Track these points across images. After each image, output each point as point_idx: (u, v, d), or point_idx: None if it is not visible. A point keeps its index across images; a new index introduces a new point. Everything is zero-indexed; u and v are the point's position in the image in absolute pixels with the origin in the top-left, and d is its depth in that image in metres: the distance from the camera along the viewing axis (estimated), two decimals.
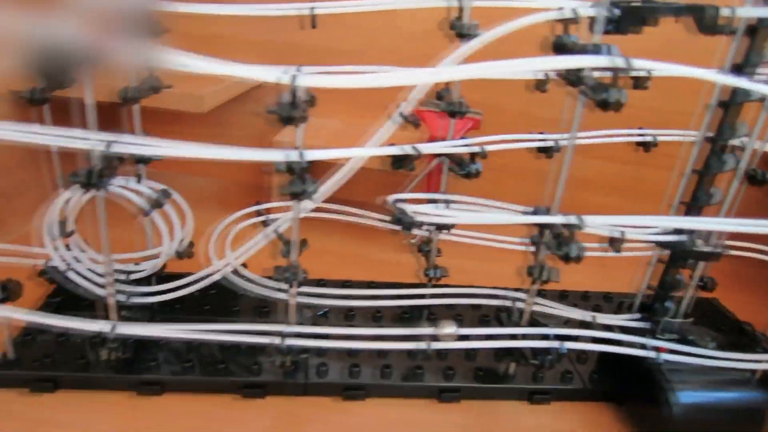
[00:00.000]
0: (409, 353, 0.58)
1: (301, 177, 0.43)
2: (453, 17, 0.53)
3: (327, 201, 0.63)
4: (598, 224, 0.46)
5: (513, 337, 0.53)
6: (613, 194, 0.94)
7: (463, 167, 0.56)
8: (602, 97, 0.41)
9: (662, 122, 0.63)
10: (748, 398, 0.52)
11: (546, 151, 0.61)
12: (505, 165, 0.91)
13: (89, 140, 0.43)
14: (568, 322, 0.66)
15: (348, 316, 0.63)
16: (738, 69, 0.51)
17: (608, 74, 0.41)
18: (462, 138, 0.75)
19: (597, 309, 0.71)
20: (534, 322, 0.66)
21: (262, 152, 0.44)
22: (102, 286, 0.53)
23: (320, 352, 0.56)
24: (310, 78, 0.42)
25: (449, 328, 0.55)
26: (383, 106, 0.51)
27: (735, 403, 0.52)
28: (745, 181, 0.65)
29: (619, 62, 0.39)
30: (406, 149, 0.47)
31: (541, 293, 0.73)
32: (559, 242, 0.46)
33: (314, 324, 0.53)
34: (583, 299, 0.74)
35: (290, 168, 0.44)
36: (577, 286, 0.75)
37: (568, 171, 0.47)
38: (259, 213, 0.68)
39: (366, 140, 0.51)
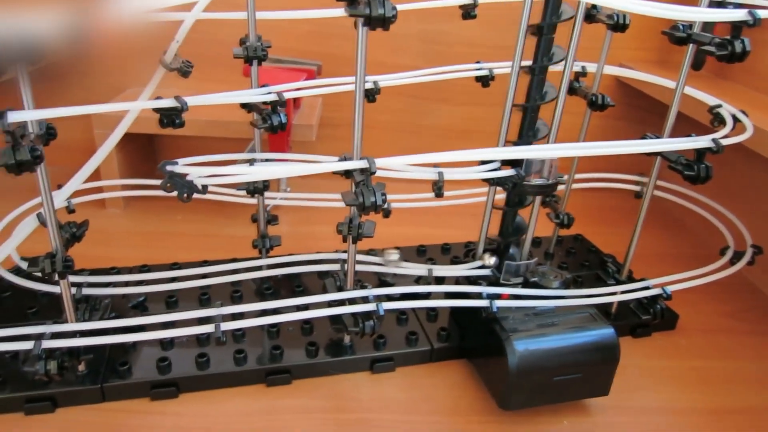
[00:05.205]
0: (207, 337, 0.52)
1: (16, 144, 0.35)
2: None
3: None
4: (394, 165, 0.40)
5: (338, 304, 0.47)
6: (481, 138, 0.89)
7: (265, 120, 0.48)
8: None
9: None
10: (596, 335, 0.48)
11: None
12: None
13: None
14: (421, 279, 0.62)
15: (169, 303, 0.56)
16: None
17: None
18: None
19: (456, 261, 0.66)
20: (383, 283, 0.61)
21: None
22: None
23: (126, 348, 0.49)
24: None
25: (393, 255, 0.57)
26: None
27: (582, 341, 0.48)
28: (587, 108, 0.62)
29: None
30: (168, 103, 0.40)
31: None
32: (356, 192, 0.40)
33: (103, 318, 0.46)
34: (443, 252, 0.69)
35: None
36: (455, 238, 0.71)
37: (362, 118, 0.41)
38: None
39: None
